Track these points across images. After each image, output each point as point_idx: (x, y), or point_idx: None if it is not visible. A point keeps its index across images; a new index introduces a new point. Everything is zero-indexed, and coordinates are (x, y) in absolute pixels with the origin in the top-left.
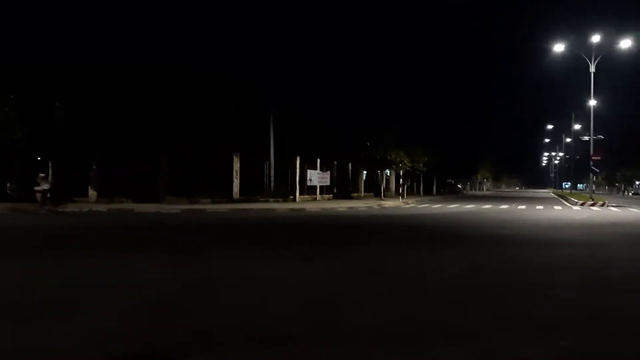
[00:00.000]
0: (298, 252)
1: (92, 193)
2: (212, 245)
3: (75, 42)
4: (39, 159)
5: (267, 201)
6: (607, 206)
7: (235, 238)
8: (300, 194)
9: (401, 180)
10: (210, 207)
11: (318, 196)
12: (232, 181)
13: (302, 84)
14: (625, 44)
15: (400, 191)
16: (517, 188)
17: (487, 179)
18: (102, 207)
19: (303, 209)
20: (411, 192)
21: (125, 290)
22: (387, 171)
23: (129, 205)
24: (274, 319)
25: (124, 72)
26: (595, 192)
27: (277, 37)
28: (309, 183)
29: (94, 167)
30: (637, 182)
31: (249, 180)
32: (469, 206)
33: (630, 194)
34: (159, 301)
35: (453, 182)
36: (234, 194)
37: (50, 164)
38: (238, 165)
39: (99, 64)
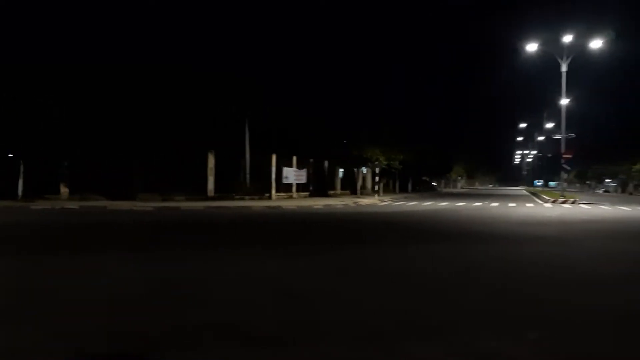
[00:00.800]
0: (274, 250)
1: (63, 190)
2: (184, 244)
3: (48, 40)
4: (10, 155)
5: (242, 199)
6: (578, 203)
7: (209, 236)
8: (276, 192)
9: (377, 178)
10: (184, 204)
11: (294, 194)
12: (207, 178)
13: (278, 81)
14: (596, 44)
15: (377, 189)
16: (490, 186)
17: (462, 177)
18: (74, 205)
19: (279, 207)
20: (387, 190)
21: (94, 291)
22: (364, 169)
23: (101, 203)
24: (251, 316)
25: (96, 71)
26: (566, 189)
27: (252, 34)
28: (285, 180)
29: (66, 164)
30: (607, 180)
31: (224, 178)
32: (443, 204)
33: (600, 191)
34: (133, 300)
35: (428, 179)
36: (208, 191)
37: (21, 162)
38: (213, 162)
39: (72, 63)
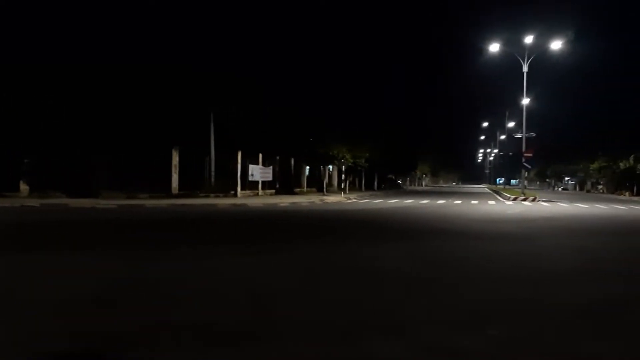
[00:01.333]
0: (237, 248)
1: (24, 188)
2: (146, 242)
3: (5, 37)
4: None
5: (207, 196)
6: (538, 201)
7: (172, 234)
8: (242, 189)
9: (343, 175)
10: (148, 202)
11: (260, 191)
12: (171, 176)
13: (245, 76)
14: (556, 45)
15: (343, 186)
16: (454, 183)
17: (426, 175)
18: (35, 202)
19: (244, 204)
20: (353, 188)
21: (54, 290)
22: (330, 167)
23: (63, 200)
24: (216, 315)
25: (57, 67)
26: (527, 187)
27: (215, 27)
28: (250, 178)
29: (26, 160)
30: (566, 178)
31: (189, 175)
32: (408, 201)
33: (559, 189)
34: (95, 299)
35: (394, 177)
36: (172, 188)
37: None
38: (177, 159)
39: (30, 59)
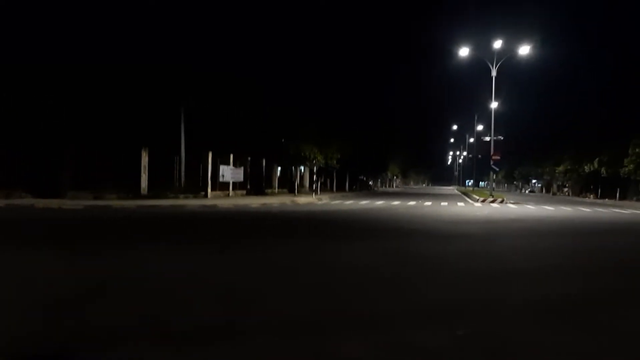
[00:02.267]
0: (206, 249)
1: None
2: (113, 244)
3: None
4: None
5: (177, 197)
6: (506, 203)
7: (140, 235)
8: (212, 190)
9: (315, 176)
10: (116, 203)
11: (231, 192)
12: (140, 176)
13: (216, 74)
14: (524, 50)
15: (314, 187)
16: (424, 185)
17: (397, 176)
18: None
19: (215, 205)
20: (324, 189)
21: (16, 291)
22: (302, 167)
23: (28, 201)
24: (180, 313)
25: (25, 64)
26: (495, 189)
27: (189, 25)
28: (221, 179)
29: None
30: (533, 180)
31: (159, 176)
32: (379, 202)
33: (526, 191)
34: (59, 301)
35: (365, 178)
36: (141, 189)
37: None
38: (146, 159)
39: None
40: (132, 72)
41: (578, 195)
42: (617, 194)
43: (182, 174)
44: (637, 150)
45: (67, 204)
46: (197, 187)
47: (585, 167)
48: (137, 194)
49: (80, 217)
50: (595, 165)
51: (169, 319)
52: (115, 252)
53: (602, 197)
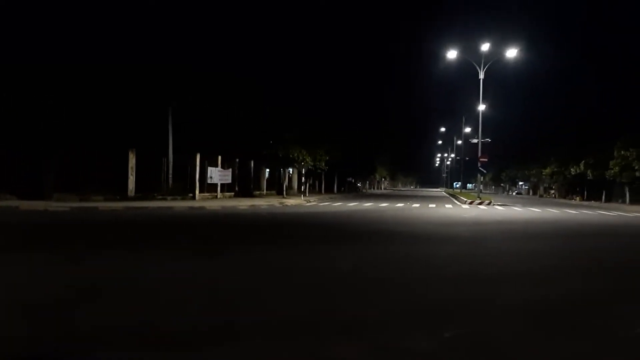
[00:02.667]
0: (194, 252)
1: None
2: (99, 246)
3: None
4: None
5: (164, 199)
6: (493, 205)
7: (127, 238)
8: (200, 192)
9: (303, 178)
10: (102, 205)
11: (219, 194)
12: (127, 178)
13: (204, 76)
14: (511, 53)
15: (303, 189)
16: (412, 187)
17: (385, 178)
18: None
19: (203, 207)
20: (313, 191)
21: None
22: (290, 169)
23: (13, 202)
24: (163, 317)
25: (7, 66)
26: (482, 191)
27: (170, 24)
28: (209, 181)
29: None
30: (520, 183)
31: (146, 177)
32: (368, 204)
33: (514, 193)
34: (45, 303)
35: (353, 180)
36: (129, 191)
37: None
38: (134, 161)
39: None
40: (118, 71)
41: (564, 198)
42: (603, 196)
43: (170, 175)
44: (622, 153)
45: (53, 205)
46: (184, 188)
47: (572, 169)
48: (124, 196)
49: (66, 220)
50: (581, 167)
51: (158, 322)
52: (101, 255)
53: (588, 199)
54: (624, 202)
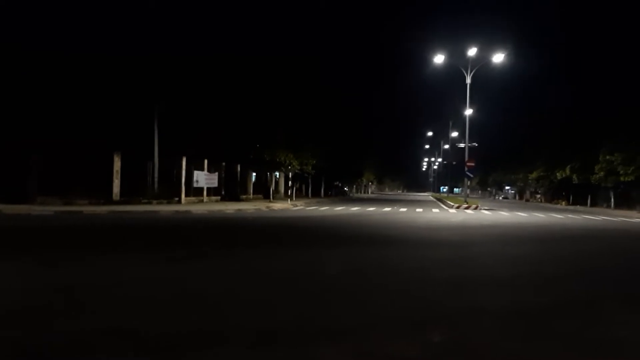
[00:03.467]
0: (178, 257)
1: None
2: (82, 250)
3: None
4: None
5: (150, 203)
6: (480, 209)
7: (111, 242)
8: (186, 196)
9: (290, 182)
10: (87, 208)
11: (205, 198)
12: (112, 181)
13: (188, 79)
14: (498, 58)
15: (289, 193)
16: (399, 191)
17: (372, 182)
18: None
19: (189, 211)
20: (300, 194)
21: None
22: (277, 173)
23: None
24: (145, 322)
25: None
26: (469, 195)
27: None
28: (195, 184)
29: None
30: (506, 187)
31: (131, 181)
32: (355, 208)
33: (500, 197)
34: (25, 307)
35: (340, 184)
36: (114, 194)
37: None
38: (119, 164)
39: None
40: (104, 65)
41: (550, 202)
42: (588, 201)
43: (156, 179)
44: (607, 157)
45: (37, 209)
46: (170, 192)
47: (557, 174)
48: (109, 200)
49: (50, 224)
50: (567, 172)
51: (139, 326)
52: (83, 260)
53: (574, 203)
54: (609, 206)
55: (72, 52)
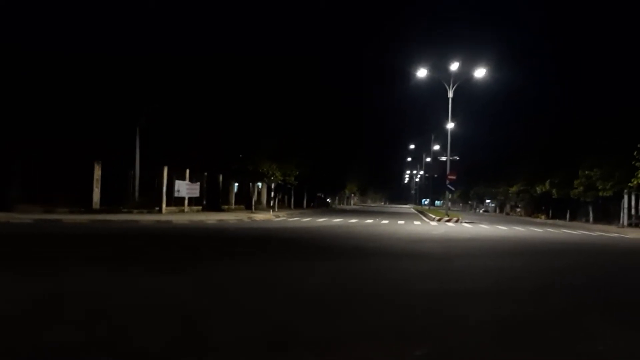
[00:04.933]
0: (157, 268)
1: None
2: (59, 259)
3: None
4: None
5: (130, 212)
6: (461, 222)
7: (90, 252)
8: (167, 205)
9: (273, 193)
10: (67, 217)
11: (186, 208)
12: (92, 190)
13: (171, 87)
14: (480, 73)
15: (272, 204)
16: (382, 203)
17: (355, 194)
18: None
19: (170, 221)
20: (282, 205)
21: None
22: (259, 184)
23: None
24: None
25: None
26: (450, 208)
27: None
28: (177, 194)
29: None
30: (487, 200)
31: (112, 190)
32: (337, 220)
33: (481, 211)
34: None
35: (323, 196)
36: (94, 203)
37: None
38: (99, 173)
39: None
40: (85, 72)
41: (530, 216)
42: (568, 215)
43: (137, 188)
44: (586, 172)
45: (16, 217)
46: (151, 202)
47: (537, 188)
48: (89, 208)
49: (29, 232)
50: (547, 186)
51: (118, 339)
52: (61, 269)
53: (553, 217)
54: (588, 220)
55: (45, 51)
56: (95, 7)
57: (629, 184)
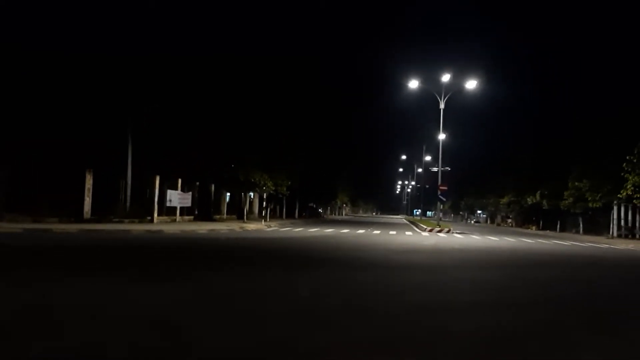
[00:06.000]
0: (147, 278)
1: None
2: (49, 270)
3: None
4: None
5: (121, 222)
6: (452, 233)
7: (80, 262)
8: (159, 215)
9: (264, 203)
10: (57, 227)
11: (178, 217)
12: (83, 199)
13: (164, 89)
14: (471, 84)
15: (264, 214)
16: (373, 214)
17: (346, 204)
18: None
19: (161, 231)
20: (274, 215)
21: None
22: (251, 193)
23: None
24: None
25: None
26: (442, 219)
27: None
28: (168, 204)
29: None
30: (478, 211)
31: (103, 199)
32: (329, 230)
33: (472, 221)
34: None
35: (315, 206)
36: (85, 213)
37: None
38: (91, 182)
39: None
40: (76, 76)
41: (521, 226)
42: (558, 226)
43: (128, 197)
44: (575, 184)
45: (4, 227)
46: (143, 211)
47: (528, 199)
48: (79, 218)
49: (17, 242)
50: (537, 197)
51: (99, 349)
52: (50, 279)
53: (544, 228)
54: (577, 231)
55: (44, 51)
56: (95, 8)
57: (619, 195)
